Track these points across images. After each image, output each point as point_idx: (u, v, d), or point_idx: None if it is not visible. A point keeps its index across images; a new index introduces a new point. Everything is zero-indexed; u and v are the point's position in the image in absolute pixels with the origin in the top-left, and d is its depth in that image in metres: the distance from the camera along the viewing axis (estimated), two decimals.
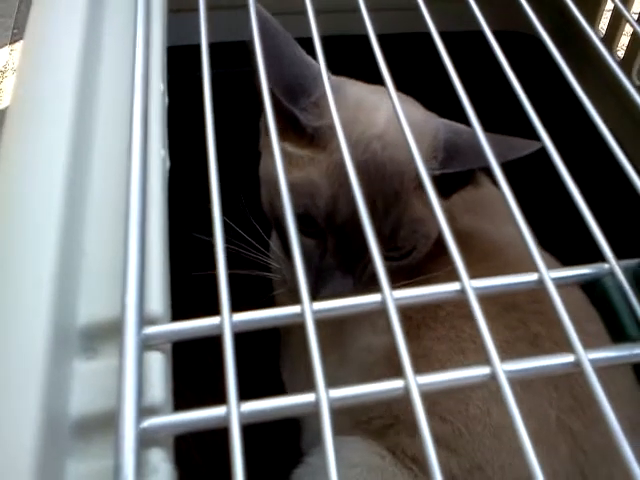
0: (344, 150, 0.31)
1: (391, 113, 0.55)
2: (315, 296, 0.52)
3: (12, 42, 1.44)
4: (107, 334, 0.26)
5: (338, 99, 0.55)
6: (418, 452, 0.52)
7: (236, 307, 0.25)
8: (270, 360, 0.73)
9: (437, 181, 0.53)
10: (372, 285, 0.53)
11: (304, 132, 0.54)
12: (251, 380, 0.51)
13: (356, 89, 0.58)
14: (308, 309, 0.25)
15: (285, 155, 0.53)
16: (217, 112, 0.30)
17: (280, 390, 0.71)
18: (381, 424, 0.54)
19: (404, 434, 0.53)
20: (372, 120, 0.54)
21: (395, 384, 0.24)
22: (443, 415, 0.51)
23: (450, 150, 0.53)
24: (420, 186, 0.53)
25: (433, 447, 0.22)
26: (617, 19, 0.74)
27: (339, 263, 0.53)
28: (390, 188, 0.52)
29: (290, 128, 0.54)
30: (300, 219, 0.53)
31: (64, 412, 0.24)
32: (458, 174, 0.53)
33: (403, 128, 0.32)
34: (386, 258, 0.54)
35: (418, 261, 0.57)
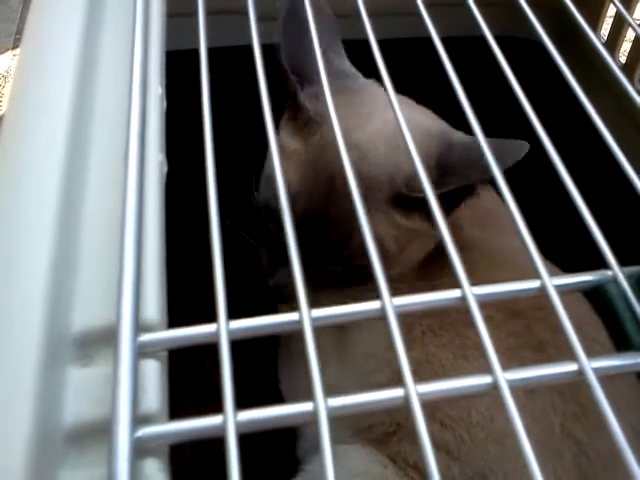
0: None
1: (383, 123, 0.55)
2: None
3: (14, 47, 1.44)
4: (102, 341, 0.25)
5: (344, 98, 0.55)
6: (420, 459, 0.51)
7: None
8: (270, 364, 0.73)
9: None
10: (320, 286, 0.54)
11: (301, 115, 0.54)
12: (250, 384, 0.51)
13: (371, 97, 0.58)
14: (306, 316, 0.25)
15: (281, 147, 0.54)
16: (215, 117, 0.30)
17: (280, 395, 0.70)
18: (383, 431, 0.54)
19: (406, 441, 0.52)
20: (360, 126, 0.54)
21: (395, 393, 0.24)
22: (444, 421, 0.50)
23: (442, 169, 0.53)
24: (394, 203, 0.54)
25: (433, 454, 0.21)
26: (619, 24, 0.74)
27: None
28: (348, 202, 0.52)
29: (292, 110, 0.55)
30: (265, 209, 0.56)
31: (58, 420, 0.24)
32: (455, 191, 0.52)
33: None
34: (337, 262, 0.56)
35: (423, 267, 0.57)
